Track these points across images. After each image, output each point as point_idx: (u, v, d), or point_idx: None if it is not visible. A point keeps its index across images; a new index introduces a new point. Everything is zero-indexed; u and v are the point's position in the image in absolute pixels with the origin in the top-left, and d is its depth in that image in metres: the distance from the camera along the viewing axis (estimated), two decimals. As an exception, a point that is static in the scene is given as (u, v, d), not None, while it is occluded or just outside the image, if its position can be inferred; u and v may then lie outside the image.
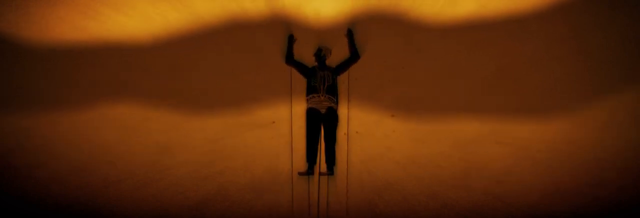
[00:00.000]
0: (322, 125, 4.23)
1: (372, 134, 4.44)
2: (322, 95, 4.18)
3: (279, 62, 4.23)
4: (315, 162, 4.26)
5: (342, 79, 4.38)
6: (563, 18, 3.98)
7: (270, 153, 4.48)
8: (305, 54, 4.26)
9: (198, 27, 4.09)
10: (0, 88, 4.05)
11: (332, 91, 4.21)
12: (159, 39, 4.11)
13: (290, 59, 4.20)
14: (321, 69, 4.23)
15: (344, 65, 4.24)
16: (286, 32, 4.19)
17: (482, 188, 4.35)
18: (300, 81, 4.32)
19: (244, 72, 4.29)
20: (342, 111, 4.42)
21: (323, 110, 4.19)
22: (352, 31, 4.14)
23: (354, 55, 4.17)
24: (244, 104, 4.38)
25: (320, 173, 4.34)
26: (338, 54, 4.25)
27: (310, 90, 4.21)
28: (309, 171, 4.25)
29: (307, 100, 4.24)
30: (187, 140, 4.39)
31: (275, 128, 4.41)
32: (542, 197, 4.26)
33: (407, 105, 4.37)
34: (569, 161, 4.24)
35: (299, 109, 4.40)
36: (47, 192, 4.23)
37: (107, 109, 4.21)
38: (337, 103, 4.26)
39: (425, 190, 4.39)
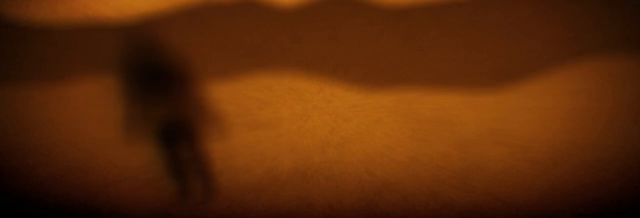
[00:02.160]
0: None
1: (372, 133, 4.44)
2: None
3: (277, 62, 4.23)
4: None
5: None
6: (563, 18, 3.98)
7: (270, 154, 4.47)
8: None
9: (198, 22, 4.08)
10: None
11: None
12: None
13: None
14: None
15: None
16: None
17: (482, 188, 4.35)
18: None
19: (244, 72, 4.28)
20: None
21: None
22: None
23: None
24: (244, 103, 4.37)
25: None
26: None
27: None
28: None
29: None
30: (187, 140, 4.39)
31: (276, 128, 4.40)
32: (542, 197, 4.26)
33: (407, 104, 4.36)
34: (569, 161, 4.24)
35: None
36: (47, 192, 4.24)
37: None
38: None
39: (425, 190, 4.38)
